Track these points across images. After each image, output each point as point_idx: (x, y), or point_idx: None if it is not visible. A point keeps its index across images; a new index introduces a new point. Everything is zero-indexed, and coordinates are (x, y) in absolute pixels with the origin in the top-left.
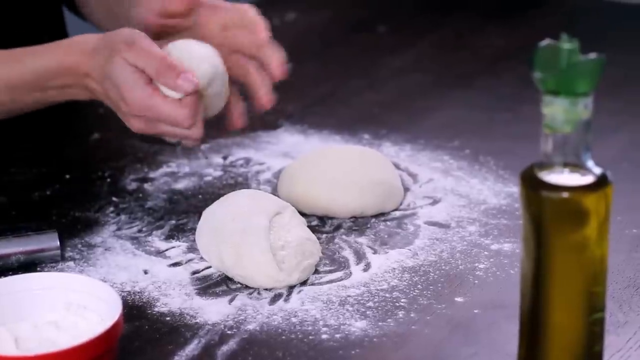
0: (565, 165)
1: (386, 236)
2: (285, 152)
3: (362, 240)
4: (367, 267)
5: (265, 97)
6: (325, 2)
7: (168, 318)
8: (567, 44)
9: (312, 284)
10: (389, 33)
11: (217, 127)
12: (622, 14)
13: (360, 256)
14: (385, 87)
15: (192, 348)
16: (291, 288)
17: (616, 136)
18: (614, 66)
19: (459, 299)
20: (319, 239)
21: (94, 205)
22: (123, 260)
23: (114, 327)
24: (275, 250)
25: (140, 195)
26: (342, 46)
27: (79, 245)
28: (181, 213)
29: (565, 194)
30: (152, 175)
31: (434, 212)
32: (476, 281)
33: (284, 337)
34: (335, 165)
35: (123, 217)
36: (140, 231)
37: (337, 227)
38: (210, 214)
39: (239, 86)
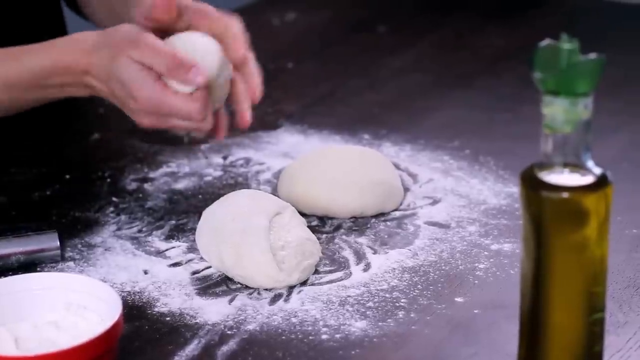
0: (565, 165)
1: (386, 236)
2: (285, 152)
3: (362, 240)
4: (367, 267)
5: (245, 113)
6: (325, 2)
7: (168, 318)
8: (567, 44)
9: (312, 284)
10: (389, 33)
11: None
12: (622, 14)
13: (360, 256)
14: (385, 87)
15: (192, 348)
16: (291, 288)
17: (616, 136)
18: (614, 66)
19: (459, 299)
20: (319, 239)
21: (94, 206)
22: (123, 260)
23: (114, 327)
24: (275, 251)
25: (140, 195)
26: (342, 46)
27: (79, 246)
28: (181, 213)
29: (565, 194)
30: (152, 175)
31: (434, 212)
32: (476, 281)
33: (284, 337)
34: (335, 166)
35: (123, 217)
36: (140, 231)
37: (337, 227)
38: (210, 214)
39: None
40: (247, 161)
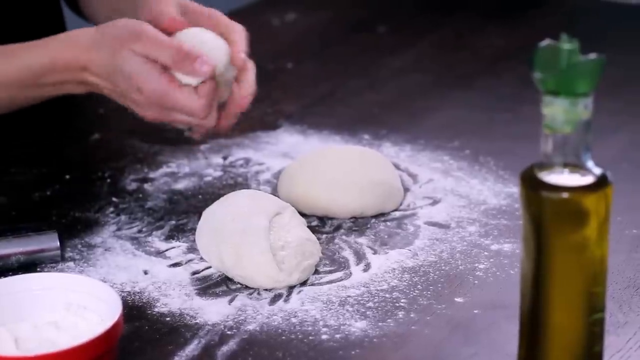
0: (565, 165)
1: (386, 236)
2: (284, 152)
3: (362, 240)
4: (367, 267)
5: (229, 116)
6: (325, 2)
7: (168, 318)
8: (567, 44)
9: (312, 285)
10: (389, 33)
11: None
12: (622, 14)
13: (360, 256)
14: (385, 88)
15: (192, 348)
16: (291, 288)
17: (616, 136)
18: (613, 66)
19: (458, 299)
20: (318, 239)
21: (94, 206)
22: (123, 260)
23: (114, 327)
24: (275, 251)
25: (140, 195)
26: (342, 46)
27: (79, 246)
28: (181, 213)
29: (565, 195)
30: (152, 175)
31: (434, 212)
32: (476, 281)
33: (283, 337)
34: (335, 166)
35: (123, 217)
36: (140, 231)
37: (337, 228)
38: (210, 214)
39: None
40: (247, 161)
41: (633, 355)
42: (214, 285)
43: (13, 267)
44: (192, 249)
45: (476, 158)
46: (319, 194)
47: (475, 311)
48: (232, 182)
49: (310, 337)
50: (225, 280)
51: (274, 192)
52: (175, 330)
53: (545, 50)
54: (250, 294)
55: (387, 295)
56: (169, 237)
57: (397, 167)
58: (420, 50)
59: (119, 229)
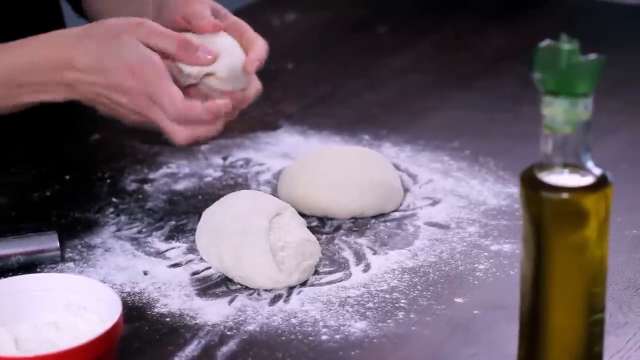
0: (565, 166)
1: (386, 237)
2: (285, 152)
3: (362, 241)
4: (367, 268)
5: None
6: (325, 2)
7: (168, 319)
8: (567, 45)
9: (312, 285)
10: (389, 33)
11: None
12: (622, 14)
13: (360, 257)
14: (385, 88)
15: (191, 349)
16: (291, 289)
17: (616, 137)
18: (613, 67)
19: (458, 300)
20: (318, 239)
21: (94, 206)
22: (123, 261)
23: (114, 328)
24: (275, 251)
25: (140, 196)
26: (342, 46)
27: (79, 246)
28: (181, 214)
29: (565, 195)
30: (152, 176)
31: (434, 213)
32: (476, 282)
33: (283, 338)
34: (335, 166)
35: (123, 218)
36: (140, 232)
37: (337, 228)
38: (210, 214)
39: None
40: (247, 162)
41: (633, 355)
42: (214, 285)
43: (13, 267)
44: (192, 250)
45: (476, 158)
46: (319, 194)
47: (475, 312)
48: (232, 183)
49: (310, 338)
50: (225, 280)
51: (274, 192)
52: (175, 330)
53: (545, 51)
54: (250, 294)
55: (387, 296)
56: (168, 238)
57: (397, 167)
58: (421, 51)
59: (118, 230)
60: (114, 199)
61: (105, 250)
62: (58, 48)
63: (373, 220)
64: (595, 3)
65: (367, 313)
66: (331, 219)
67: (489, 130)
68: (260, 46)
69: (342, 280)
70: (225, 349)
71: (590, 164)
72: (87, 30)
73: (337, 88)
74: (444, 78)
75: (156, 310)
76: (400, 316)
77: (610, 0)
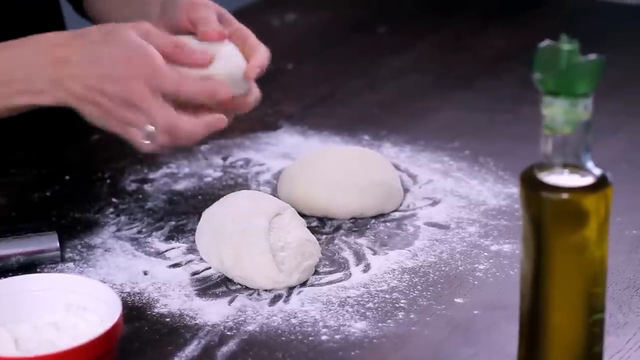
0: (565, 166)
1: (386, 237)
2: (285, 153)
3: (362, 241)
4: (367, 268)
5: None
6: (325, 2)
7: (168, 319)
8: (567, 45)
9: (312, 285)
10: (389, 34)
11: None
12: (622, 14)
13: (360, 257)
14: (385, 88)
15: (191, 349)
16: (291, 289)
17: (616, 137)
18: (613, 67)
19: (458, 300)
20: (318, 240)
21: (94, 206)
22: (123, 261)
23: (114, 328)
24: (275, 252)
25: (140, 196)
26: (342, 47)
27: (79, 246)
28: (181, 214)
29: (565, 195)
30: (151, 176)
31: (434, 213)
32: (476, 282)
33: (283, 338)
34: (335, 166)
35: (123, 218)
36: (140, 232)
37: (337, 228)
38: (210, 215)
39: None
40: (247, 162)
41: (633, 355)
42: (214, 286)
43: (13, 267)
44: (192, 250)
45: (476, 159)
46: (319, 194)
47: (475, 312)
48: (232, 183)
49: (310, 338)
50: (225, 281)
51: (274, 192)
52: (175, 330)
53: (545, 51)
54: (250, 294)
55: (386, 296)
56: (168, 238)
57: (397, 167)
58: (421, 51)
59: (118, 230)
60: (113, 199)
61: (105, 251)
62: (51, 45)
63: (373, 221)
64: (595, 3)
65: (367, 313)
66: (331, 219)
67: (488, 131)
68: (262, 53)
69: (342, 280)
70: (225, 349)
71: (590, 164)
72: (82, 30)
73: (337, 88)
74: (444, 78)
75: (156, 310)
76: (400, 316)
77: (610, 1)
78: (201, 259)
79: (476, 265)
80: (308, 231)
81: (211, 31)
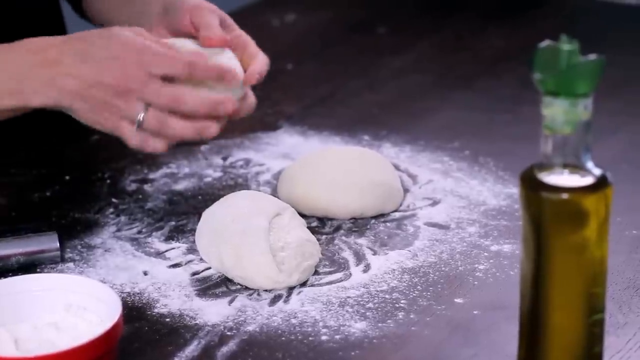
0: (565, 166)
1: (386, 237)
2: (284, 153)
3: (362, 241)
4: (367, 268)
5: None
6: (324, 3)
7: (168, 319)
8: (567, 45)
9: (312, 285)
10: (388, 34)
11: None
12: (622, 15)
13: (360, 257)
14: (385, 88)
15: (191, 349)
16: (291, 289)
17: (616, 137)
18: (613, 67)
19: (458, 300)
20: (318, 240)
21: (94, 207)
22: (123, 261)
23: (114, 328)
24: (275, 252)
25: (140, 196)
26: (341, 47)
27: (79, 247)
28: (181, 214)
29: (565, 195)
30: (151, 176)
31: (434, 213)
32: (476, 282)
33: (283, 338)
34: (335, 167)
35: (123, 218)
36: (140, 232)
37: (337, 228)
38: (210, 215)
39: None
40: (247, 162)
41: (633, 356)
42: (214, 286)
43: (13, 267)
44: (192, 250)
45: (476, 159)
46: (319, 194)
47: (475, 312)
48: (232, 183)
49: (310, 338)
50: (225, 281)
51: (274, 193)
52: (175, 331)
53: (545, 51)
54: (250, 294)
55: (386, 296)
56: (168, 238)
57: (397, 167)
58: (420, 51)
59: (118, 230)
60: (113, 199)
61: (105, 251)
62: (43, 49)
63: (373, 221)
64: (595, 3)
65: (367, 313)
66: (331, 219)
67: (488, 131)
68: (261, 60)
69: (342, 280)
70: (225, 349)
71: (590, 165)
72: (72, 35)
73: (337, 88)
74: (444, 78)
75: (156, 310)
76: (400, 316)
77: (610, 1)
78: (201, 259)
79: (476, 266)
80: (308, 231)
81: (213, 37)
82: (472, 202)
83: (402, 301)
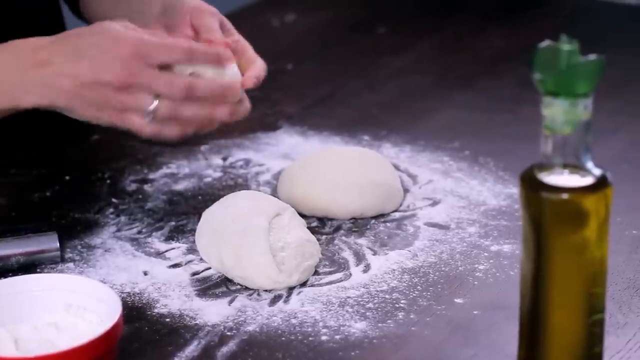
0: (565, 166)
1: (386, 237)
2: (284, 153)
3: (362, 241)
4: (367, 268)
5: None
6: (324, 3)
7: (168, 319)
8: (566, 45)
9: (312, 285)
10: (388, 34)
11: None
12: (622, 15)
13: (360, 257)
14: (385, 88)
15: (191, 349)
16: (291, 289)
17: (616, 137)
18: (613, 67)
19: (458, 300)
20: (318, 240)
21: (94, 207)
22: (123, 261)
23: (114, 328)
24: (275, 252)
25: (140, 196)
26: (341, 47)
27: (79, 247)
28: (181, 214)
29: (565, 195)
30: (151, 176)
31: (434, 213)
32: (476, 282)
33: (283, 338)
34: (335, 167)
35: (123, 218)
36: (140, 232)
37: (337, 229)
38: (210, 215)
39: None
40: (247, 162)
41: (633, 356)
42: (214, 286)
43: (13, 268)
44: (192, 250)
45: (476, 159)
46: (319, 194)
47: (475, 312)
48: (232, 183)
49: (310, 338)
50: (225, 281)
51: (274, 193)
52: (175, 331)
53: (545, 51)
54: (250, 294)
55: (386, 296)
56: (168, 238)
57: (397, 168)
58: (420, 51)
59: (118, 230)
60: (113, 200)
61: (105, 251)
62: (33, 50)
63: (373, 221)
64: (595, 3)
65: (367, 313)
66: (331, 219)
67: (488, 131)
68: (259, 66)
69: (342, 280)
70: (225, 349)
71: (590, 165)
72: (61, 34)
73: (337, 88)
74: (443, 79)
75: (156, 310)
76: (400, 316)
77: (610, 1)
78: (201, 259)
79: (476, 266)
80: (308, 231)
81: (215, 40)
82: (472, 202)
83: (402, 301)
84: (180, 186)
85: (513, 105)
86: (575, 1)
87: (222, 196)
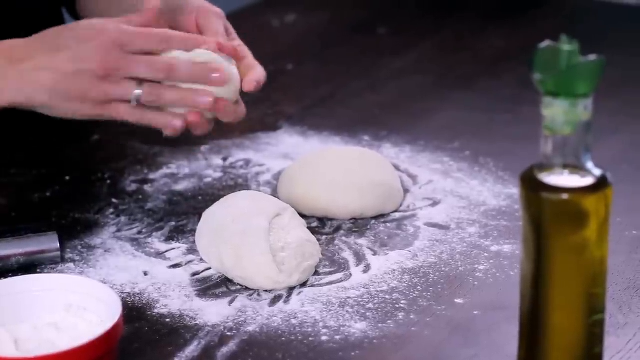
0: (565, 166)
1: (386, 238)
2: (285, 153)
3: (362, 241)
4: (367, 268)
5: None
6: (325, 3)
7: (168, 319)
8: (566, 46)
9: (312, 286)
10: (389, 34)
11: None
12: (621, 15)
13: (360, 258)
14: (386, 89)
15: (191, 349)
16: (291, 289)
17: (616, 137)
18: (613, 67)
19: (458, 301)
20: (318, 240)
21: (94, 207)
22: (123, 261)
23: (114, 328)
24: (275, 252)
25: (140, 196)
26: (342, 47)
27: (79, 247)
28: (181, 214)
29: (565, 196)
30: (152, 176)
31: (434, 213)
32: (476, 283)
33: (283, 338)
34: (335, 167)
35: (123, 218)
36: (140, 232)
37: (337, 229)
38: (210, 215)
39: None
40: (247, 162)
41: (633, 356)
42: (214, 286)
43: (13, 268)
44: (192, 250)
45: (476, 159)
46: (319, 195)
47: (475, 312)
48: (232, 184)
49: (310, 338)
50: (225, 281)
51: (274, 193)
52: (175, 331)
53: (545, 52)
54: (250, 295)
55: (387, 297)
56: (169, 239)
57: (397, 168)
58: (421, 52)
59: (118, 230)
60: (114, 200)
61: (105, 251)
62: (9, 49)
63: (373, 221)
64: (595, 3)
65: (367, 314)
66: (331, 219)
67: (489, 131)
68: (259, 72)
69: (342, 281)
70: (225, 349)
71: (590, 165)
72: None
73: (337, 89)
74: (444, 79)
75: (156, 310)
76: (400, 317)
77: (610, 1)
78: (201, 259)
79: (476, 266)
80: (308, 232)
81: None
82: (472, 202)
83: (402, 301)
84: (180, 186)
85: (513, 105)
86: (575, 1)
87: (222, 196)
